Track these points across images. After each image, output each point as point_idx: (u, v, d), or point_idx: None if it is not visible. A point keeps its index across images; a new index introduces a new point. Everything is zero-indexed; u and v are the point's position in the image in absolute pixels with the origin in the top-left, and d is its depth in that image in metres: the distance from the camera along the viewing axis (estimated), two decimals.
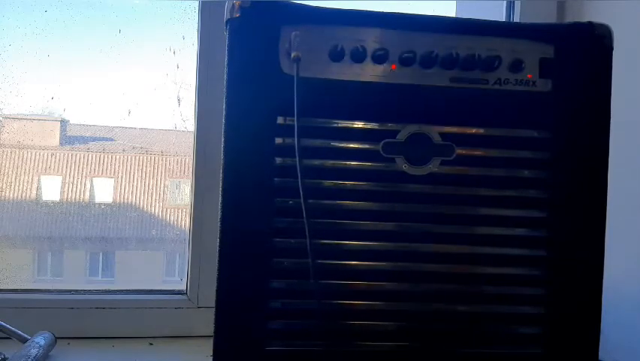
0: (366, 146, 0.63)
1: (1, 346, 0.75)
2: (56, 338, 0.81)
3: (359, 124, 0.63)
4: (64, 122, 1.07)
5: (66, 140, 1.08)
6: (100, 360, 0.81)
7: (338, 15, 0.63)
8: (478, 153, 0.64)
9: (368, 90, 0.63)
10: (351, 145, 0.63)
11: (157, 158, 1.11)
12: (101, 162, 1.09)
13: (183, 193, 1.10)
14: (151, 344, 0.88)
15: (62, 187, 1.06)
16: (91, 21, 1.00)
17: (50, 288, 0.94)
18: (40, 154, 1.06)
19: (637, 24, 0.85)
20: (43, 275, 1.09)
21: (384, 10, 0.63)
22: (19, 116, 1.01)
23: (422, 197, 0.63)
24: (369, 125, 0.63)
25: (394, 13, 0.63)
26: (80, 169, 1.07)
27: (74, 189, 1.06)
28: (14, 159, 1.02)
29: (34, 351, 0.73)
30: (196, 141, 0.93)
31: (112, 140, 1.10)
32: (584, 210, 0.64)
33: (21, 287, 0.93)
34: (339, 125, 0.63)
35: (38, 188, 1.04)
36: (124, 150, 1.11)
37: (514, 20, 1.04)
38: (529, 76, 0.64)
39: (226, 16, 0.62)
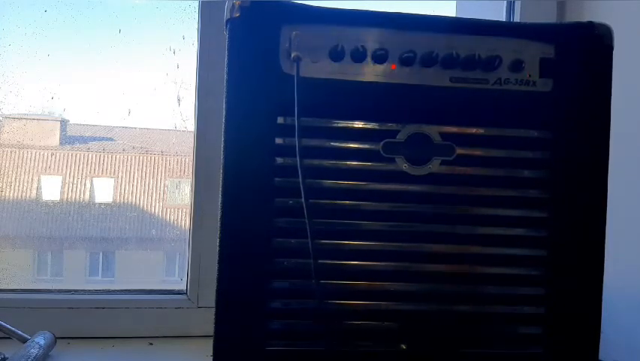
0: (366, 146, 0.63)
1: (1, 346, 0.75)
2: (56, 338, 0.81)
3: (359, 124, 0.63)
4: (64, 122, 1.07)
5: (66, 140, 1.08)
6: (100, 360, 0.81)
7: (338, 15, 0.63)
8: (478, 153, 0.64)
9: (368, 90, 0.63)
10: (351, 145, 0.63)
11: (157, 158, 1.11)
12: (101, 161, 1.08)
13: (183, 193, 1.10)
14: (151, 344, 0.88)
15: (62, 187, 1.06)
16: (91, 21, 1.00)
17: (50, 288, 0.94)
18: (40, 154, 1.06)
19: (637, 24, 0.85)
20: (43, 275, 1.09)
21: (385, 10, 0.63)
22: (19, 116, 1.01)
23: (422, 197, 0.63)
24: (369, 125, 0.63)
25: (394, 13, 0.63)
26: (80, 169, 1.07)
27: (74, 189, 1.06)
28: (14, 159, 1.02)
29: (34, 351, 0.73)
30: (196, 141, 0.93)
31: (112, 140, 1.10)
32: (584, 210, 0.64)
33: (21, 287, 0.93)
34: (339, 125, 0.63)
35: (38, 188, 1.04)
36: (124, 150, 1.11)
37: (515, 20, 1.04)
38: (529, 76, 0.64)
39: (226, 15, 0.62)
